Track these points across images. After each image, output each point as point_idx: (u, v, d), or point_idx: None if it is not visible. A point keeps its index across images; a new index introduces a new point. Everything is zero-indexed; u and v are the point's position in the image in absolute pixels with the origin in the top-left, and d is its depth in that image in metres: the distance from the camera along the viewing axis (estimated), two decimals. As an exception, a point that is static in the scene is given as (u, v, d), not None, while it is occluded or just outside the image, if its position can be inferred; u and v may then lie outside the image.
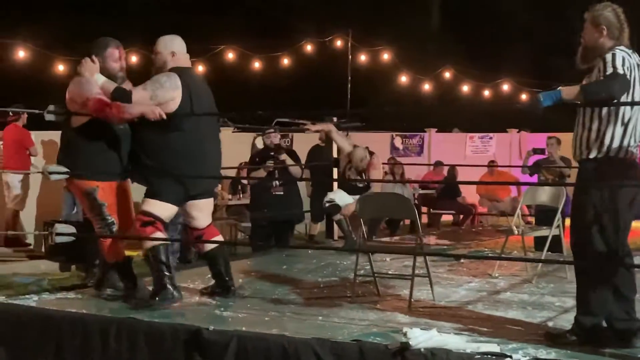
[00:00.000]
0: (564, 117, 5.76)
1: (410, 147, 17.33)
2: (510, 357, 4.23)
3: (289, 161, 9.70)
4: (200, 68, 15.57)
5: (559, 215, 7.18)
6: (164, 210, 5.73)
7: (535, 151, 11.51)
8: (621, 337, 4.56)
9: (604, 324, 4.67)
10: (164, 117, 5.52)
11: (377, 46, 17.99)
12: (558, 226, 7.20)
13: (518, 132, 17.81)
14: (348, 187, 8.96)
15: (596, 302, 4.61)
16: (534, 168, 10.90)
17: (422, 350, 4.32)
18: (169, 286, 5.56)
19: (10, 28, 14.42)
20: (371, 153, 9.10)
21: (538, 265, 7.22)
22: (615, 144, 4.55)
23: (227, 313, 5.48)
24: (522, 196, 7.98)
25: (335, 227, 9.90)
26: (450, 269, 7.60)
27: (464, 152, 17.49)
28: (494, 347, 4.41)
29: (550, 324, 5.20)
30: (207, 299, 5.98)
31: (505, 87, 19.79)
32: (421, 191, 15.12)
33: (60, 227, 7.10)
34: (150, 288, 5.71)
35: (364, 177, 8.94)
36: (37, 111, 6.42)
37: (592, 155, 4.61)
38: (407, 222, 11.98)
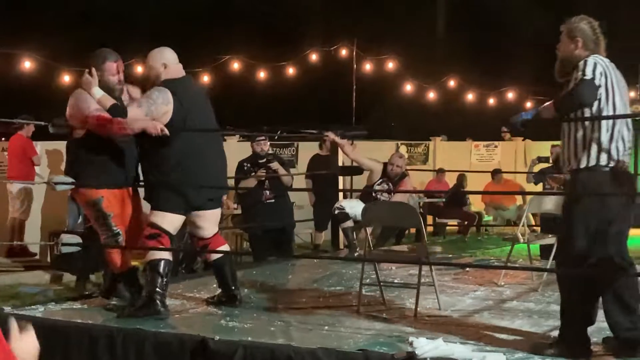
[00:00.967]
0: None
1: (415, 155, 17.33)
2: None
3: (281, 170, 9.63)
4: (206, 78, 15.60)
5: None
6: (171, 222, 5.75)
7: (540, 159, 11.51)
8: (627, 346, 4.55)
9: (606, 333, 4.67)
10: (166, 132, 5.55)
11: (382, 55, 18.02)
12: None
13: (523, 140, 17.80)
14: (371, 199, 8.89)
15: (581, 313, 4.61)
16: (539, 176, 10.91)
17: (429, 359, 4.32)
18: (157, 302, 5.57)
19: (16, 39, 14.47)
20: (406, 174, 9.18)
21: (544, 274, 7.20)
22: (604, 151, 4.51)
23: (233, 323, 5.48)
24: (527, 204, 7.98)
25: (341, 236, 9.89)
26: (456, 278, 7.59)
27: (469, 160, 17.49)
28: (500, 357, 4.40)
29: (556, 333, 5.19)
30: (213, 309, 5.98)
31: (510, 95, 19.79)
32: (426, 199, 15.11)
33: (66, 238, 7.13)
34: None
35: (390, 187, 8.91)
36: (42, 123, 6.45)
37: (582, 165, 4.56)
38: (413, 230, 11.97)
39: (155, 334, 5.05)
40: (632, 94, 16.76)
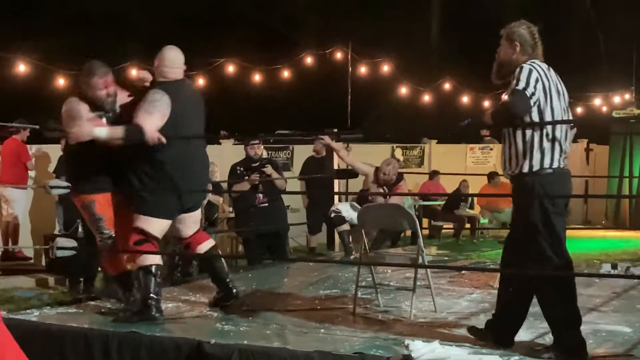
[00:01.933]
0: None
1: (410, 158, 17.33)
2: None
3: (275, 174, 9.61)
4: (201, 81, 15.60)
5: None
6: (157, 226, 5.73)
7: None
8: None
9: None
10: (163, 141, 5.53)
11: (377, 58, 18.03)
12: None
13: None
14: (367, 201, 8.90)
15: (514, 312, 4.78)
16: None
17: (424, 362, 4.32)
18: (152, 307, 5.56)
19: (10, 42, 14.43)
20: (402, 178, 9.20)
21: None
22: (546, 156, 4.58)
23: (229, 326, 5.48)
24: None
25: (336, 239, 9.88)
26: (452, 280, 7.59)
27: (464, 163, 17.49)
28: (495, 359, 4.41)
29: (551, 335, 5.19)
30: (208, 312, 5.98)
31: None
32: (422, 202, 15.10)
33: (61, 242, 7.12)
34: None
35: (386, 191, 8.92)
36: (37, 126, 6.45)
37: (525, 170, 4.62)
38: (408, 233, 11.97)
39: (151, 337, 5.04)
40: (627, 96, 16.94)
